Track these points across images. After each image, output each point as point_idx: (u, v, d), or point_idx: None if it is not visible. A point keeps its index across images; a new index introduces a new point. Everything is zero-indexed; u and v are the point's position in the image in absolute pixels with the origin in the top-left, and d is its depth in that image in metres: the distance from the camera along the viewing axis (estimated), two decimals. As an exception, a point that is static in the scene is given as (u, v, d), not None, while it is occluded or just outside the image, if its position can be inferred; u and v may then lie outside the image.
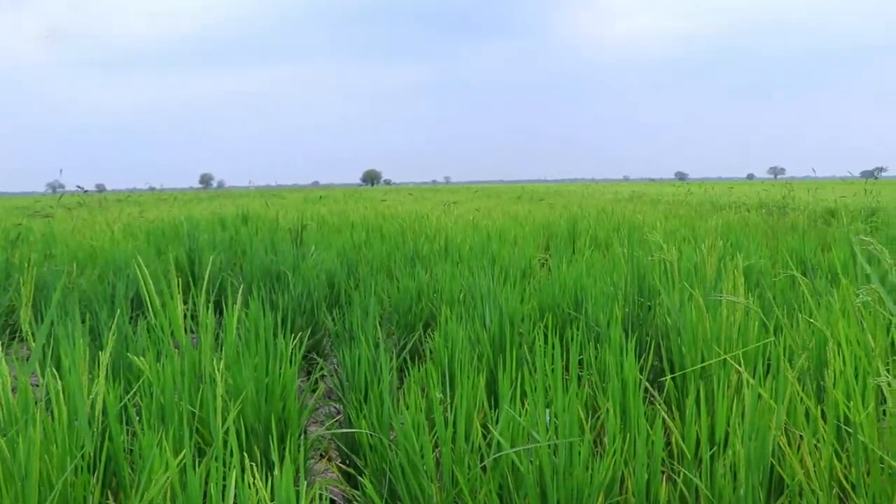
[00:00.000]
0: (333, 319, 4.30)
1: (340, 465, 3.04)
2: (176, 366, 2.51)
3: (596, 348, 3.22)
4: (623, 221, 10.18)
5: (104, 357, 2.16)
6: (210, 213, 14.58)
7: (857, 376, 2.20)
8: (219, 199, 27.30)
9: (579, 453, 2.18)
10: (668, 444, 2.72)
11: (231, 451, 1.90)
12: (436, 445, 2.41)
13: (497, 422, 2.38)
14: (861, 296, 2.05)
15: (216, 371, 2.09)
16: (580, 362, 3.28)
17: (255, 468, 1.84)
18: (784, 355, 2.46)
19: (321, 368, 4.19)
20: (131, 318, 4.75)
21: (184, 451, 1.96)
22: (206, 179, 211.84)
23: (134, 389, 2.60)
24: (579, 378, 3.20)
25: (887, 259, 2.06)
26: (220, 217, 12.90)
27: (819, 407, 2.35)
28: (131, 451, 2.35)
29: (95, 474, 2.17)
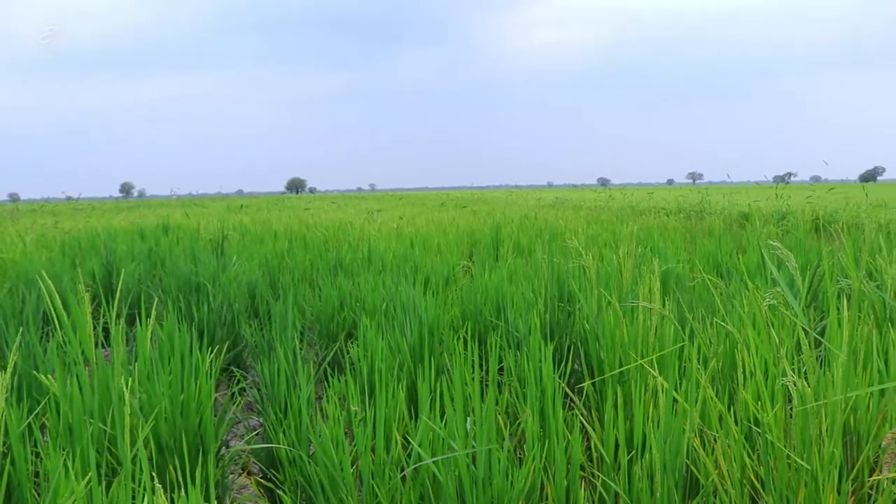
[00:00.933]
0: (253, 331, 4.22)
1: (260, 480, 2.98)
2: (85, 383, 2.42)
3: (517, 355, 3.23)
4: (546, 227, 10.30)
5: (4, 376, 2.07)
6: (129, 224, 14.20)
7: (766, 378, 2.26)
8: (139, 209, 26.58)
9: (499, 461, 2.18)
10: (589, 448, 2.75)
11: (143, 469, 1.84)
12: (357, 458, 2.38)
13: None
14: (768, 299, 2.11)
15: (125, 387, 2.02)
16: (501, 369, 3.29)
17: (163, 489, 1.78)
18: (698, 359, 2.52)
19: (239, 381, 4.10)
20: (43, 333, 4.58)
21: (90, 473, 1.89)
22: (126, 188, 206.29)
23: (39, 408, 2.50)
24: (500, 385, 3.21)
25: (792, 262, 2.13)
26: (139, 227, 12.58)
27: (731, 408, 2.41)
28: (37, 473, 2.26)
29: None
